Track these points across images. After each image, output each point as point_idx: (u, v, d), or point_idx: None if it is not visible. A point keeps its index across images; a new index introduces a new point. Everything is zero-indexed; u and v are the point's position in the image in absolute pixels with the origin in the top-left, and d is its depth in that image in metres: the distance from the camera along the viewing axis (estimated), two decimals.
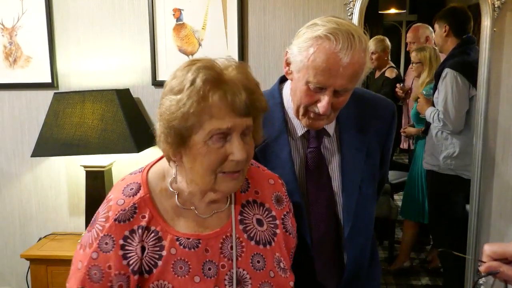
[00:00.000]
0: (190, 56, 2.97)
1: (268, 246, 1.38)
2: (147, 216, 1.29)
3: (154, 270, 1.27)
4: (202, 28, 2.95)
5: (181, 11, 2.95)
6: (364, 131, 1.65)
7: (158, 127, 1.26)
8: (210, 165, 1.23)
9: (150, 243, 1.28)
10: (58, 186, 3.21)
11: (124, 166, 3.02)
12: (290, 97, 1.61)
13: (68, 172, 3.18)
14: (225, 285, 1.31)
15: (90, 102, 2.78)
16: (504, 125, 2.89)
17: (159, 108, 1.25)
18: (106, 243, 1.26)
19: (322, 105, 1.46)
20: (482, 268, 1.24)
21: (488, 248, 1.24)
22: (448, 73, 3.20)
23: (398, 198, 5.01)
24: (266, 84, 2.79)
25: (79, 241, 2.81)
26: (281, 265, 1.39)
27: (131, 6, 3.00)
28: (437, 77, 3.34)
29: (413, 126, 4.08)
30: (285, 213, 1.45)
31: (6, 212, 3.28)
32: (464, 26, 3.29)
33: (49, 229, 3.21)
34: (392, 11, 5.31)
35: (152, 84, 3.04)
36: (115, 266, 1.25)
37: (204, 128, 1.19)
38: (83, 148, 2.73)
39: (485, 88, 2.82)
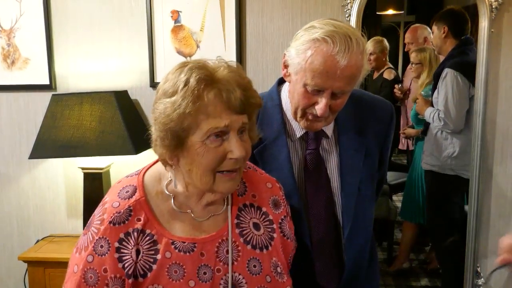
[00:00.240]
0: (188, 58, 2.97)
1: (264, 251, 1.37)
2: (142, 219, 1.28)
3: (149, 274, 1.26)
4: (200, 30, 2.95)
5: (179, 13, 2.95)
6: (363, 132, 1.65)
7: (154, 131, 1.25)
8: (208, 165, 1.22)
9: (145, 247, 1.27)
10: (56, 188, 3.21)
11: (122, 168, 3.01)
12: (288, 99, 1.61)
13: (66, 174, 3.17)
14: None
15: (88, 104, 2.78)
16: (503, 125, 2.89)
17: (153, 113, 1.24)
18: (102, 246, 1.25)
19: (320, 107, 1.46)
20: (497, 260, 1.24)
21: (504, 241, 1.24)
22: (448, 73, 3.20)
23: (396, 199, 5.01)
24: (264, 85, 2.80)
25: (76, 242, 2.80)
26: (278, 269, 1.38)
27: (129, 7, 3.00)
28: (436, 77, 3.34)
29: (412, 127, 4.08)
30: (282, 217, 1.44)
31: (3, 214, 3.28)
32: (463, 27, 3.30)
33: (47, 231, 3.21)
34: (390, 12, 5.31)
35: (150, 86, 3.04)
36: (110, 269, 1.24)
37: (201, 127, 1.18)
38: (81, 150, 2.73)
39: (483, 89, 2.83)
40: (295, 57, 1.46)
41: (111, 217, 1.27)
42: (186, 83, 1.17)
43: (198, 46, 2.97)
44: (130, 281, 1.25)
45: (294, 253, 1.49)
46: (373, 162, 1.69)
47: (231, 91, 1.18)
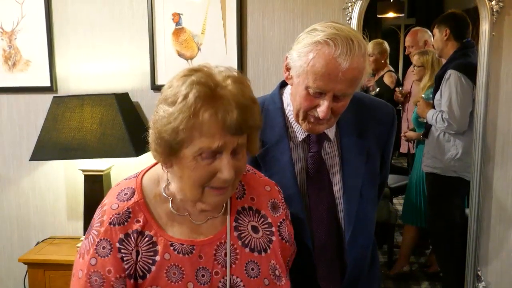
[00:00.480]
0: (189, 61, 2.97)
1: (263, 254, 1.36)
2: (141, 220, 1.28)
3: (148, 275, 1.26)
4: (201, 33, 2.95)
5: (181, 15, 2.95)
6: (364, 135, 1.65)
7: (151, 134, 1.25)
8: (197, 180, 1.22)
9: (144, 248, 1.27)
10: (56, 190, 3.21)
11: (122, 170, 3.01)
12: (290, 102, 1.61)
13: (66, 176, 3.17)
14: None
15: (89, 106, 2.78)
16: (503, 128, 2.89)
17: (153, 115, 1.24)
18: (103, 247, 1.25)
19: (321, 109, 1.47)
20: None
21: None
22: (451, 74, 3.20)
23: (397, 202, 5.01)
24: (265, 88, 2.80)
25: (77, 245, 2.81)
26: (276, 272, 1.37)
27: (131, 10, 3.00)
28: (438, 80, 3.34)
29: (413, 130, 4.08)
30: (281, 220, 1.43)
31: (4, 216, 3.27)
32: (464, 30, 3.30)
33: (47, 233, 3.21)
34: (390, 15, 5.32)
35: (151, 89, 3.04)
36: (114, 269, 1.24)
37: (194, 144, 1.17)
38: (81, 152, 2.73)
39: (484, 92, 2.83)
40: (297, 59, 1.46)
41: (111, 218, 1.27)
42: (185, 97, 1.15)
43: (199, 49, 2.97)
44: (131, 281, 1.25)
45: (293, 257, 1.49)
46: (375, 165, 1.69)
47: (227, 112, 1.15)
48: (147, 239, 1.28)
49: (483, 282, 3.01)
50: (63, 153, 2.76)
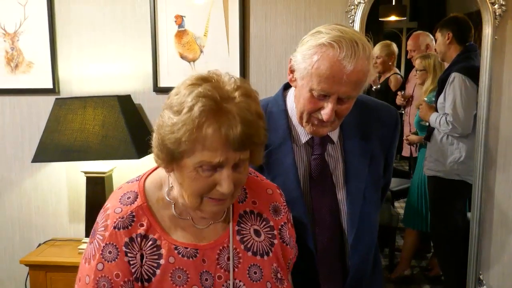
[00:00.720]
0: (192, 63, 2.98)
1: (265, 257, 1.36)
2: (145, 224, 1.28)
3: (153, 279, 1.26)
4: (204, 35, 2.96)
5: (183, 17, 2.96)
6: (368, 138, 1.65)
7: (154, 138, 1.25)
8: (196, 191, 1.22)
9: (148, 251, 1.27)
10: (58, 192, 3.20)
11: (124, 172, 3.01)
12: (294, 104, 1.61)
13: (68, 178, 3.17)
14: None
15: (91, 108, 2.78)
16: (506, 132, 2.89)
17: (158, 119, 1.23)
18: (110, 252, 1.25)
19: (325, 112, 1.46)
20: None
21: None
22: (456, 77, 3.20)
23: (398, 205, 5.00)
24: (267, 91, 2.82)
25: (79, 247, 2.80)
26: (278, 275, 1.37)
27: (133, 12, 3.01)
28: (441, 83, 3.34)
29: (416, 133, 4.07)
30: (282, 223, 1.43)
31: (6, 218, 3.27)
32: (467, 33, 3.30)
33: (49, 235, 3.20)
34: (393, 18, 5.32)
35: (154, 91, 3.04)
36: (122, 273, 1.24)
37: (195, 155, 1.17)
38: (83, 154, 2.73)
39: (486, 96, 2.83)
40: (301, 62, 1.46)
41: (115, 222, 1.27)
42: (190, 109, 1.14)
43: (201, 51, 2.97)
44: (138, 284, 1.25)
45: (294, 260, 1.49)
46: (378, 168, 1.69)
47: (231, 128, 1.14)
48: (151, 242, 1.27)
49: (484, 286, 3.01)
50: (65, 155, 2.76)
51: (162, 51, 3.00)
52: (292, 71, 1.53)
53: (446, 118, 3.25)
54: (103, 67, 3.07)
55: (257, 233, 1.38)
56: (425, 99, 3.72)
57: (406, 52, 4.66)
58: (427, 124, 3.53)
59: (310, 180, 1.62)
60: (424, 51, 4.25)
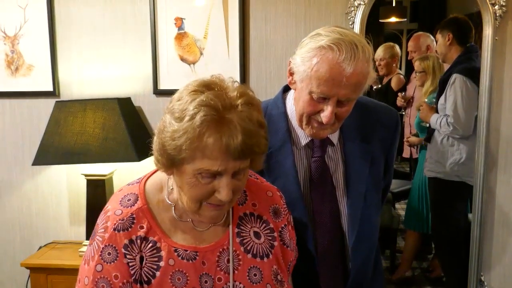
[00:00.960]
0: (192, 65, 2.98)
1: (265, 259, 1.37)
2: (145, 226, 1.29)
3: (153, 281, 1.26)
4: (204, 37, 2.96)
5: (183, 20, 2.96)
6: (368, 140, 1.65)
7: (154, 142, 1.25)
8: (194, 197, 1.23)
9: (148, 254, 1.27)
10: (58, 194, 3.20)
11: (125, 175, 3.01)
12: (293, 106, 1.61)
13: (69, 180, 3.17)
14: None
15: (91, 110, 2.78)
16: (507, 133, 2.88)
17: (159, 123, 1.23)
18: (109, 253, 1.25)
19: (325, 114, 1.46)
20: None
21: None
22: (457, 78, 3.20)
23: (399, 207, 5.00)
24: (267, 93, 2.82)
25: (80, 249, 2.81)
26: (279, 277, 1.38)
27: (133, 14, 3.01)
28: (441, 84, 3.34)
29: (416, 135, 4.07)
30: (283, 225, 1.43)
31: (6, 220, 3.27)
32: (468, 34, 3.30)
33: (50, 238, 3.20)
34: (393, 19, 5.32)
35: (154, 93, 3.04)
36: (121, 274, 1.25)
37: (195, 163, 1.17)
38: (84, 156, 2.73)
39: (487, 97, 2.83)
40: (300, 64, 1.46)
41: (115, 224, 1.27)
42: (192, 118, 1.14)
43: (201, 53, 2.97)
44: (137, 286, 1.26)
45: (294, 262, 1.49)
46: (379, 170, 1.68)
47: (232, 138, 1.14)
48: (151, 244, 1.28)
49: (486, 287, 3.00)
50: (65, 157, 2.76)
51: (162, 53, 3.00)
52: (291, 74, 1.53)
53: (446, 120, 3.25)
54: (103, 69, 3.07)
55: (257, 235, 1.39)
56: (426, 100, 3.71)
57: (407, 53, 4.66)
58: (428, 125, 3.53)
59: (310, 182, 1.61)
60: (424, 52, 4.24)
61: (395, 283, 4.05)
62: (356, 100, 1.52)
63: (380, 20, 5.29)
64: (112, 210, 1.31)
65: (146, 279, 1.26)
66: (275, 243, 1.40)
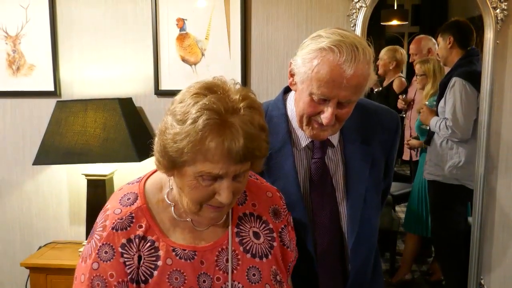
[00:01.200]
0: (193, 66, 2.98)
1: (264, 259, 1.37)
2: (144, 225, 1.29)
3: (150, 280, 1.27)
4: (205, 38, 2.96)
5: (185, 21, 2.96)
6: (368, 142, 1.65)
7: (156, 143, 1.25)
8: (195, 199, 1.24)
9: (146, 253, 1.28)
10: (59, 194, 3.21)
11: (125, 175, 3.00)
12: (294, 108, 1.61)
13: (69, 180, 3.17)
14: None
15: (92, 110, 2.78)
16: (507, 137, 2.88)
17: (160, 123, 1.24)
18: (106, 252, 1.25)
19: (325, 116, 1.46)
20: None
21: None
22: (456, 81, 3.20)
23: (399, 209, 4.99)
24: (268, 94, 2.82)
25: (79, 250, 2.81)
26: (278, 278, 1.38)
27: (135, 15, 3.01)
28: (442, 87, 3.34)
29: (417, 138, 4.07)
30: (282, 226, 1.44)
31: (6, 220, 3.27)
32: (469, 38, 3.30)
33: (50, 238, 3.20)
34: (394, 22, 5.32)
35: (155, 94, 3.04)
36: (117, 274, 1.25)
37: (196, 165, 1.17)
38: (84, 156, 2.73)
39: (488, 100, 2.83)
40: (301, 66, 1.46)
41: (113, 223, 1.28)
42: (194, 121, 1.14)
43: (203, 54, 2.97)
44: (134, 286, 1.26)
45: (294, 263, 1.49)
46: (379, 172, 1.68)
47: (234, 142, 1.14)
48: (149, 244, 1.28)
49: None
50: (66, 157, 2.76)
51: (164, 54, 3.00)
52: (292, 75, 1.53)
53: (445, 123, 3.26)
54: (104, 70, 3.07)
55: (256, 235, 1.39)
56: (426, 103, 3.71)
57: (408, 56, 4.67)
58: (428, 128, 3.53)
59: (310, 183, 1.61)
60: (425, 55, 4.25)
61: (395, 286, 4.05)
62: (357, 102, 1.53)
63: (381, 23, 5.30)
64: (112, 209, 1.31)
65: (143, 278, 1.27)
66: (275, 244, 1.40)
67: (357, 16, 2.81)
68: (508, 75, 2.83)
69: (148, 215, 1.30)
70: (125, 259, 1.26)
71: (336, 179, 1.63)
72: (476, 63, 3.19)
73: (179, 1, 2.95)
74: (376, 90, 4.44)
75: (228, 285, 1.31)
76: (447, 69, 3.52)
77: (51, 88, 3.10)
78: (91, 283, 1.24)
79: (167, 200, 1.33)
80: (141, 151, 2.70)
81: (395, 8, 5.18)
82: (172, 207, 1.33)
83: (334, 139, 1.63)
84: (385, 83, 4.68)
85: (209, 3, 2.93)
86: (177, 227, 1.33)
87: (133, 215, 1.29)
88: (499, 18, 2.75)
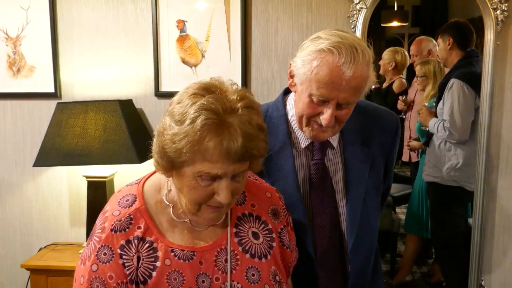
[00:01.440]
0: (193, 68, 2.98)
1: (263, 259, 1.37)
2: (142, 227, 1.29)
3: (149, 281, 1.27)
4: (206, 40, 2.96)
5: (185, 22, 2.96)
6: (368, 143, 1.65)
7: (154, 144, 1.25)
8: (194, 199, 1.24)
9: (145, 254, 1.28)
10: (59, 196, 3.21)
11: (126, 176, 3.00)
12: (294, 109, 1.61)
13: (69, 182, 3.18)
14: None
15: (93, 112, 2.79)
16: (508, 138, 2.88)
17: (159, 124, 1.24)
18: (105, 254, 1.26)
19: (324, 117, 1.46)
20: None
21: None
22: (454, 83, 3.20)
23: (400, 211, 4.99)
24: (269, 96, 2.82)
25: (80, 251, 2.81)
26: (277, 278, 1.38)
27: (135, 17, 3.02)
28: (441, 88, 3.34)
29: (418, 139, 4.07)
30: (282, 226, 1.44)
31: (7, 222, 3.28)
32: (468, 39, 3.30)
33: (50, 239, 3.20)
34: (395, 24, 5.33)
35: (155, 95, 3.04)
36: (116, 275, 1.25)
37: (195, 165, 1.18)
38: (85, 158, 2.74)
39: (488, 101, 2.83)
40: (300, 67, 1.46)
41: (112, 225, 1.28)
42: (192, 121, 1.14)
43: (203, 56, 2.97)
44: (133, 287, 1.26)
45: (294, 264, 1.49)
46: (379, 173, 1.69)
47: (233, 141, 1.15)
48: (147, 245, 1.29)
49: None
50: (66, 159, 2.76)
51: (164, 55, 3.01)
52: (291, 76, 1.53)
53: (443, 124, 3.26)
54: (104, 71, 3.07)
55: (255, 235, 1.39)
56: (426, 104, 3.71)
57: (408, 57, 4.67)
58: (427, 129, 3.53)
59: (310, 185, 1.61)
60: (426, 56, 4.25)
61: (395, 287, 4.05)
62: (357, 103, 1.53)
63: (381, 24, 5.30)
64: (110, 211, 1.32)
65: (142, 279, 1.27)
66: (274, 244, 1.40)
67: (357, 18, 2.81)
68: (508, 76, 2.83)
69: (147, 216, 1.31)
70: (124, 261, 1.26)
71: (336, 180, 1.63)
72: (475, 64, 3.19)
73: (179, 2, 2.96)
74: (373, 87, 4.44)
75: (227, 285, 1.31)
76: (447, 70, 3.52)
77: (52, 90, 3.10)
78: (91, 285, 1.25)
79: (166, 201, 1.34)
80: (142, 152, 2.70)
81: (395, 9, 5.19)
82: (171, 208, 1.33)
83: (334, 140, 1.63)
84: (385, 84, 4.68)
85: (209, 5, 2.93)
86: (175, 227, 1.33)
87: (131, 216, 1.30)
88: (499, 19, 2.76)
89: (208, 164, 1.17)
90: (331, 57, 1.39)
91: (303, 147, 1.62)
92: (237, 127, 1.16)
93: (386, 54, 4.59)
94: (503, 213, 2.95)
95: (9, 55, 3.13)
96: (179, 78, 2.99)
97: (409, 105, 4.42)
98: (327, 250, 1.61)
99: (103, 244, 1.26)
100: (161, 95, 3.02)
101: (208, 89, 1.20)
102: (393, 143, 1.73)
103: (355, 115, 1.57)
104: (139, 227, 1.29)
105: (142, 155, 2.70)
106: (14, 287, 3.28)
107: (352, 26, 2.81)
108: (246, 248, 1.36)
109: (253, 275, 1.34)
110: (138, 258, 1.27)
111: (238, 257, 1.34)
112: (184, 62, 3.00)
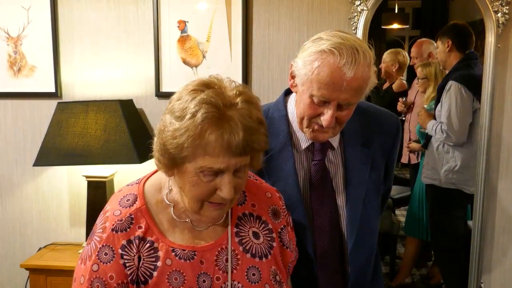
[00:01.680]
0: (194, 68, 2.98)
1: (264, 259, 1.37)
2: (143, 226, 1.29)
3: (150, 281, 1.27)
4: (207, 40, 2.96)
5: (186, 23, 2.97)
6: (369, 145, 1.65)
7: (155, 143, 1.26)
8: (197, 196, 1.24)
9: (146, 254, 1.28)
10: (59, 196, 3.21)
11: (126, 177, 3.00)
12: (295, 109, 1.61)
13: (70, 182, 3.18)
14: None
15: (93, 112, 2.79)
16: (508, 140, 2.88)
17: (159, 123, 1.24)
18: (106, 254, 1.26)
19: (325, 118, 1.47)
20: None
21: None
22: (452, 85, 3.20)
23: (399, 213, 4.99)
24: (270, 96, 2.82)
25: (79, 251, 2.81)
26: (277, 278, 1.38)
27: (136, 17, 3.02)
28: (439, 90, 3.34)
29: (418, 141, 4.07)
30: (282, 226, 1.44)
31: (6, 221, 3.28)
32: (467, 41, 3.30)
33: (50, 239, 3.20)
34: (395, 26, 5.33)
35: (156, 96, 3.05)
36: (117, 275, 1.25)
37: (196, 161, 1.18)
38: (85, 158, 2.74)
39: (489, 103, 2.83)
40: (302, 68, 1.46)
41: (113, 224, 1.28)
42: (193, 116, 1.15)
43: (204, 56, 2.98)
44: (134, 287, 1.26)
45: (294, 264, 1.49)
46: (379, 175, 1.69)
47: (233, 134, 1.15)
48: (148, 244, 1.28)
49: None
50: (67, 159, 2.76)
51: (165, 56, 3.01)
52: (293, 77, 1.53)
53: (441, 127, 3.26)
54: (105, 71, 3.07)
55: (256, 235, 1.39)
56: (425, 106, 3.71)
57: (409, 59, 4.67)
58: (426, 131, 3.53)
59: (310, 185, 1.62)
60: (426, 59, 4.24)
61: None
62: (358, 104, 1.53)
63: (382, 27, 5.30)
64: (111, 211, 1.32)
65: (143, 279, 1.27)
66: (274, 244, 1.40)
67: (358, 19, 2.81)
68: (509, 78, 2.83)
69: (148, 216, 1.31)
70: (125, 261, 1.26)
71: (336, 181, 1.63)
72: (474, 66, 3.19)
73: (180, 3, 2.96)
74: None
75: (227, 285, 1.31)
76: (446, 73, 3.52)
77: (52, 90, 3.10)
78: (91, 285, 1.24)
79: (166, 201, 1.34)
80: (142, 152, 2.70)
81: (396, 11, 5.18)
82: (171, 208, 1.33)
83: (335, 141, 1.63)
84: (386, 86, 4.67)
85: (210, 6, 2.94)
86: (176, 227, 1.33)
87: (132, 216, 1.29)
88: (500, 22, 2.76)
89: (209, 159, 1.17)
90: (332, 58, 1.39)
91: (303, 147, 1.62)
92: (237, 120, 1.16)
93: (388, 56, 4.59)
94: (503, 214, 2.95)
95: (10, 54, 3.13)
96: (180, 79, 2.99)
97: (409, 107, 4.42)
98: (327, 251, 1.61)
99: (104, 244, 1.26)
100: (161, 95, 3.02)
101: (207, 85, 1.21)
102: (394, 145, 1.73)
103: (356, 116, 1.57)
104: (140, 227, 1.29)
105: (142, 155, 2.70)
106: (13, 287, 3.28)
107: (353, 28, 2.82)
108: (247, 248, 1.36)
109: (253, 274, 1.34)
110: (139, 258, 1.27)
111: (238, 256, 1.35)
112: (185, 62, 3.00)
